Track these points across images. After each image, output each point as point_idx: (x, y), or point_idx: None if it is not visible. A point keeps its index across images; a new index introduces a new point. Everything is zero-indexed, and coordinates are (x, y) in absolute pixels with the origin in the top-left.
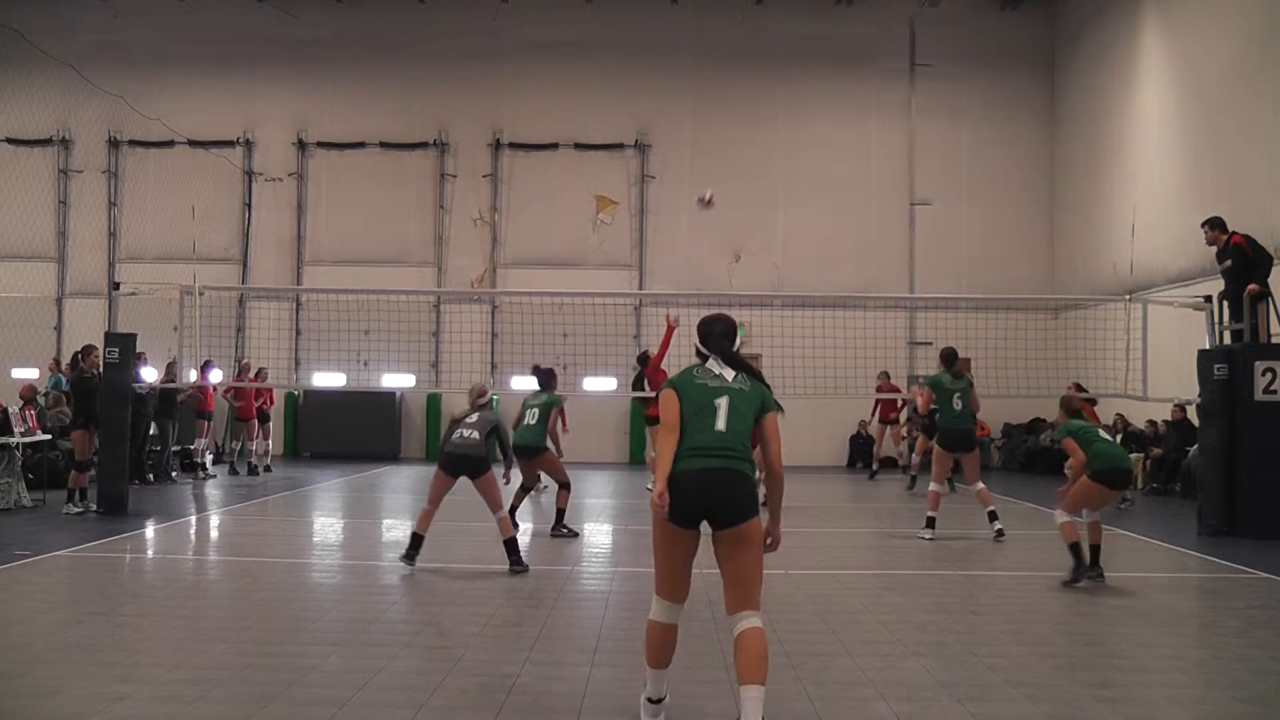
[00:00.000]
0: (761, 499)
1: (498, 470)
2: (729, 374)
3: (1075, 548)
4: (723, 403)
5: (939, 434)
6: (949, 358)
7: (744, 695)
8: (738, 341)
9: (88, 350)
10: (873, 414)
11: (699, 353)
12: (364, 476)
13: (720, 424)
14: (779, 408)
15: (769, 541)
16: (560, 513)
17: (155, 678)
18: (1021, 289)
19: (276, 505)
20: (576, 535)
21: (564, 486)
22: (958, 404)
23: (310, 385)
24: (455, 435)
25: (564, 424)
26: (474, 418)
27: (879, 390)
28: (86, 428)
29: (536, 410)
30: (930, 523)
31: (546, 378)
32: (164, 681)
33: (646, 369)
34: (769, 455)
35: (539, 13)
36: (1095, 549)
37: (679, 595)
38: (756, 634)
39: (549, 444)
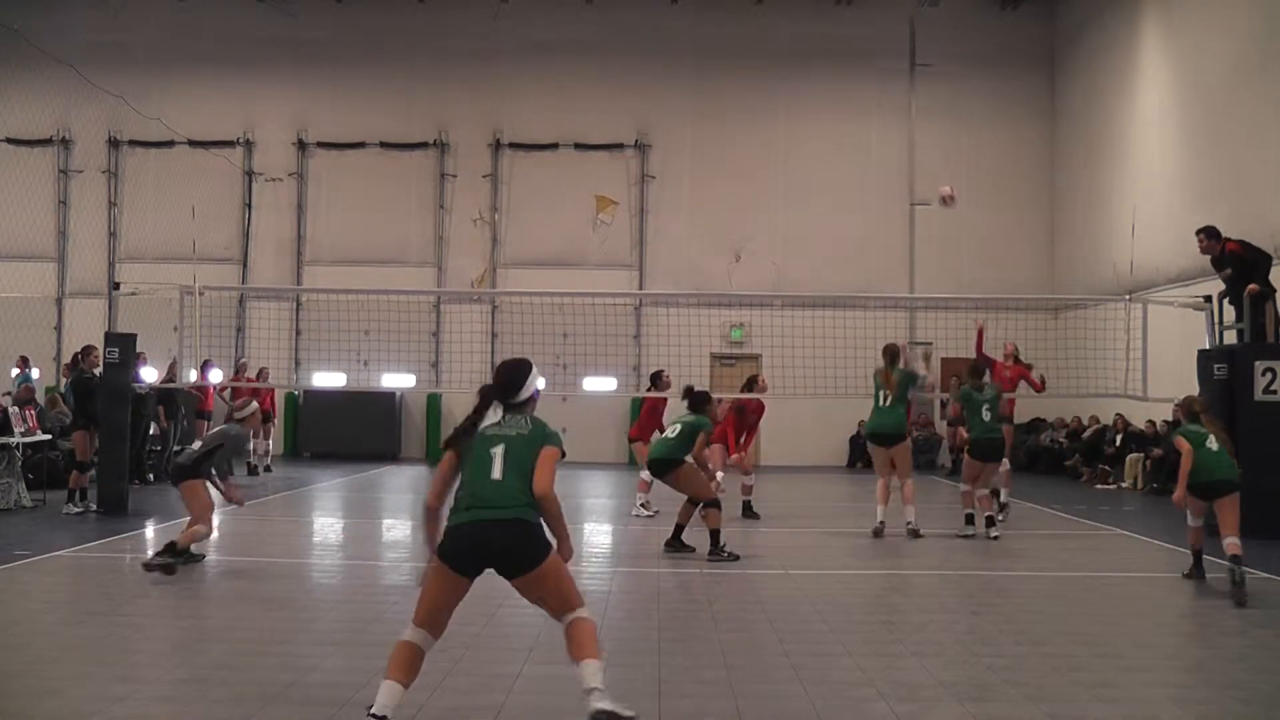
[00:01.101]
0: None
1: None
2: (508, 421)
3: (1198, 554)
4: (498, 451)
5: (970, 445)
6: (976, 371)
7: (583, 670)
8: (529, 388)
9: (87, 350)
10: None
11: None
12: (364, 476)
13: (496, 473)
14: (558, 444)
15: (561, 555)
16: (713, 534)
17: (155, 678)
18: (1021, 289)
19: (276, 505)
20: (736, 559)
21: (710, 505)
22: (986, 414)
23: (310, 385)
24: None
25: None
26: (218, 429)
27: None
28: (87, 428)
29: (679, 426)
30: (969, 520)
31: (696, 401)
32: (164, 681)
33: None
34: (534, 482)
35: (539, 13)
36: (1235, 559)
37: (435, 630)
38: (582, 622)
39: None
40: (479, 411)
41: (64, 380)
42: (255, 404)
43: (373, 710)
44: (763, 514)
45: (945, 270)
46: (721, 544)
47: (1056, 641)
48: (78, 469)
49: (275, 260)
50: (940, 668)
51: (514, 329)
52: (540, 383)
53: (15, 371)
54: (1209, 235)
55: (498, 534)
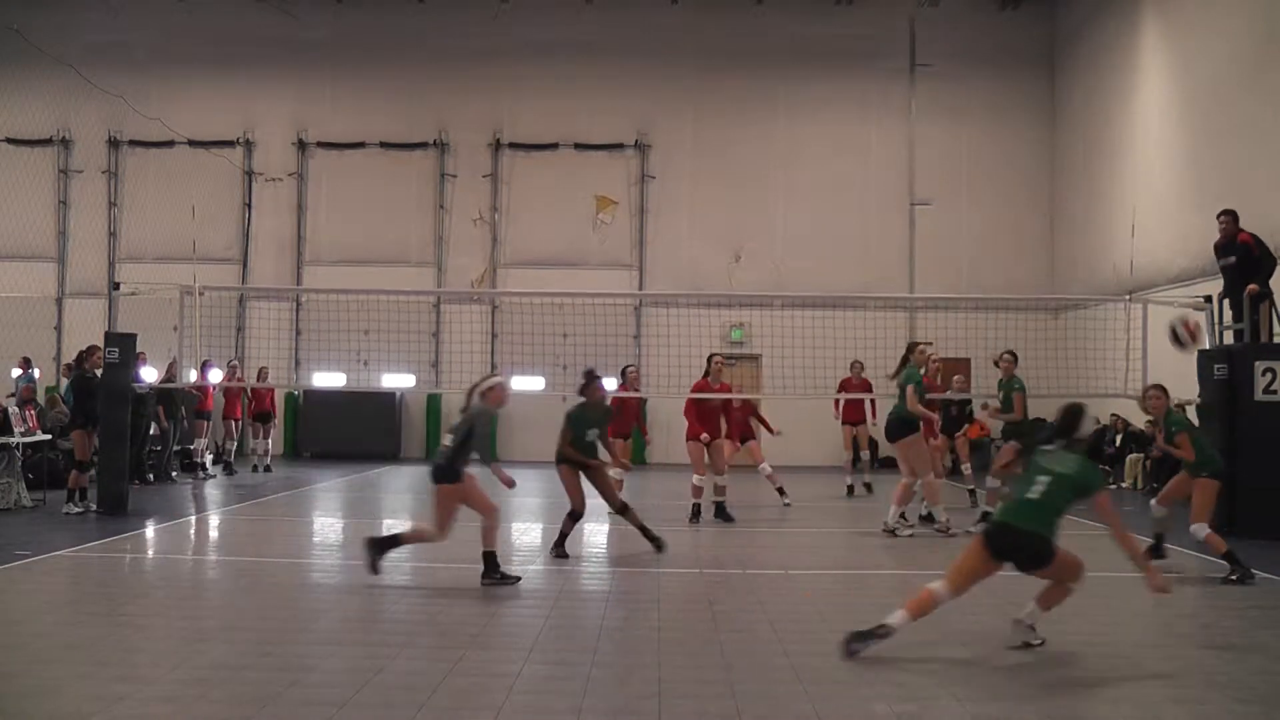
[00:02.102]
0: None
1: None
2: (1059, 456)
3: (1231, 555)
4: (1044, 480)
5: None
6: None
7: (1031, 607)
8: (1082, 431)
9: (91, 350)
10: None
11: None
12: (364, 476)
13: (1034, 495)
14: (1103, 485)
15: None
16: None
17: (155, 678)
18: (1021, 289)
19: (276, 505)
20: (565, 557)
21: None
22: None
23: (310, 385)
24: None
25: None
26: (468, 414)
27: (846, 387)
28: (85, 428)
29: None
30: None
31: (582, 385)
32: (164, 681)
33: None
34: (1113, 532)
35: (539, 13)
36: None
37: (958, 592)
38: (1063, 588)
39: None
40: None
41: (64, 380)
42: (498, 377)
43: (883, 621)
44: (752, 516)
45: (945, 270)
46: (561, 543)
47: (1056, 641)
48: (77, 468)
49: (275, 260)
50: (940, 668)
51: (514, 329)
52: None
53: (17, 372)
54: (1232, 218)
55: (1019, 542)
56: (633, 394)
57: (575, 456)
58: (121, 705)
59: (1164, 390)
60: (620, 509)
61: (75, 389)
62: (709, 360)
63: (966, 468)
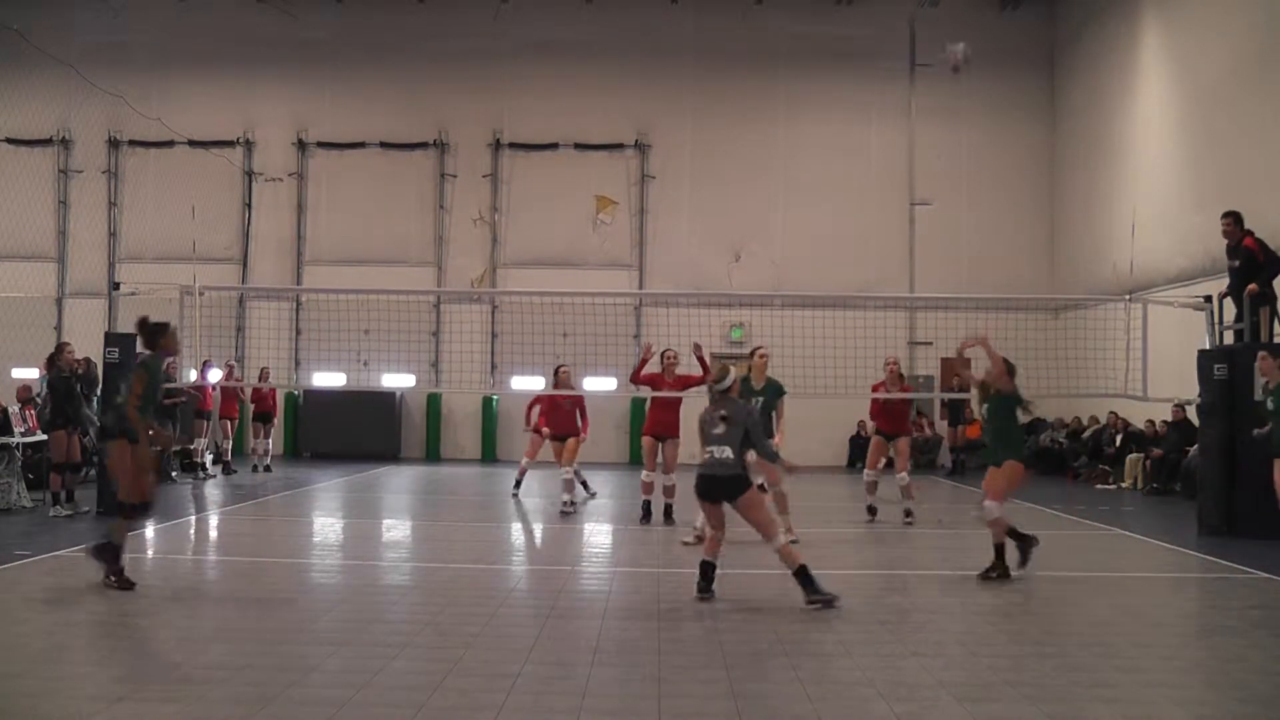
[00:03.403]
0: None
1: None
2: None
3: (1001, 548)
4: None
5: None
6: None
7: None
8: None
9: (61, 348)
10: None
11: None
12: (364, 476)
13: None
14: None
15: None
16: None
17: (155, 678)
18: (1021, 289)
19: (276, 505)
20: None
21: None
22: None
23: (310, 385)
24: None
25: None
26: (741, 420)
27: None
28: (65, 428)
29: None
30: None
31: (150, 334)
32: (164, 681)
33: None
34: None
35: (539, 13)
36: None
37: None
38: None
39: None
40: None
41: (41, 377)
42: (732, 373)
43: None
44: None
45: (945, 270)
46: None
47: (1056, 641)
48: (55, 470)
49: (275, 260)
50: (940, 668)
51: (514, 329)
52: None
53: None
54: (1235, 221)
55: None
56: (565, 392)
57: (140, 425)
58: (121, 705)
59: (1011, 366)
60: (119, 509)
61: (51, 389)
62: (662, 356)
63: (904, 476)
